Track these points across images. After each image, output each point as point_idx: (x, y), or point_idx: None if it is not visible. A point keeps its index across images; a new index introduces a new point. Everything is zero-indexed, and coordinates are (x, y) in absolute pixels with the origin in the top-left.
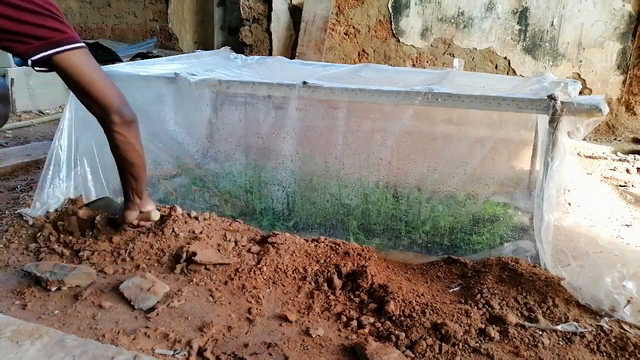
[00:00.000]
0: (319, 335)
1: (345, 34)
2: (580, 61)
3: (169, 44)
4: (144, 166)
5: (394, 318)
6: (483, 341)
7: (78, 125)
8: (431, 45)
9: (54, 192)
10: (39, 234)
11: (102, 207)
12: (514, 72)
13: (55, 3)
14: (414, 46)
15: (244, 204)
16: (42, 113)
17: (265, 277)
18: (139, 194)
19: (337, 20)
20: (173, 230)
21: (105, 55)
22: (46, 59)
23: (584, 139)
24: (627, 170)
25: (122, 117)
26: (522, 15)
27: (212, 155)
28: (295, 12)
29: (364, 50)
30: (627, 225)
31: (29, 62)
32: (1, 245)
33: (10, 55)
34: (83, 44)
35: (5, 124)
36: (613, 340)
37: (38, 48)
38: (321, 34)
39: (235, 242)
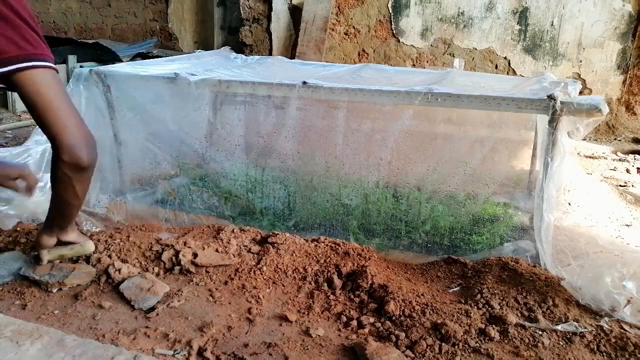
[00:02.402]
0: (319, 335)
1: (345, 34)
2: (580, 61)
3: (169, 44)
4: (79, 207)
5: (394, 318)
6: (483, 341)
7: None
8: (431, 45)
9: None
10: None
11: None
12: (514, 72)
13: (33, 13)
14: (414, 46)
15: (244, 203)
16: None
17: (265, 277)
18: (62, 227)
19: (337, 20)
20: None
21: (105, 55)
22: (5, 75)
23: (584, 139)
24: (627, 170)
25: (73, 159)
26: (522, 15)
27: (212, 155)
28: (295, 12)
29: (364, 50)
30: (627, 225)
31: None
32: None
33: None
34: (51, 65)
35: None
36: (613, 340)
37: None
38: (321, 34)
39: (236, 243)
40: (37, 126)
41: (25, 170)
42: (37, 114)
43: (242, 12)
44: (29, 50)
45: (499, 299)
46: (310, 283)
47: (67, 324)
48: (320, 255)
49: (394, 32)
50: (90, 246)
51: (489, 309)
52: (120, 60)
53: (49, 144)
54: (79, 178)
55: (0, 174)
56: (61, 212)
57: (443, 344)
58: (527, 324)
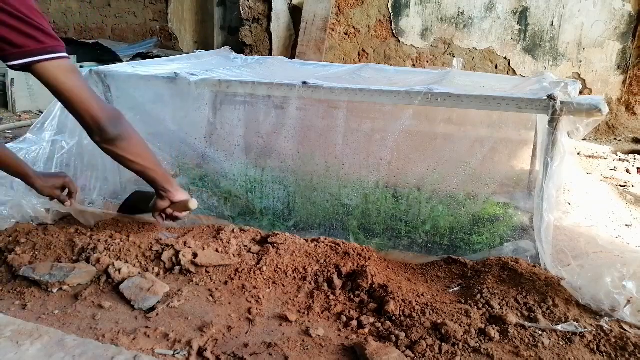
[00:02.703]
0: (319, 335)
1: (345, 34)
2: (580, 61)
3: (169, 44)
4: (153, 168)
5: (394, 318)
6: (483, 341)
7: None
8: (431, 45)
9: None
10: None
11: (134, 204)
12: (514, 72)
13: (39, 8)
14: (414, 46)
15: (244, 203)
16: (42, 113)
17: (265, 277)
18: (162, 189)
19: (337, 20)
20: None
21: (105, 55)
22: (24, 66)
23: (584, 139)
24: (627, 170)
25: (103, 136)
26: (522, 15)
27: (211, 155)
28: (295, 12)
29: (364, 50)
30: (627, 225)
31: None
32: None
33: None
34: (64, 54)
35: None
36: (613, 340)
37: (12, 55)
38: (321, 34)
39: (236, 243)
40: (32, 126)
41: (66, 178)
42: (63, 103)
43: (242, 12)
44: (45, 43)
45: (499, 299)
46: (310, 283)
47: (67, 324)
48: (320, 255)
49: (394, 32)
50: (194, 203)
51: (489, 309)
52: (120, 60)
53: (44, 143)
54: (119, 149)
55: (47, 185)
56: (146, 179)
57: (443, 344)
58: (527, 324)
